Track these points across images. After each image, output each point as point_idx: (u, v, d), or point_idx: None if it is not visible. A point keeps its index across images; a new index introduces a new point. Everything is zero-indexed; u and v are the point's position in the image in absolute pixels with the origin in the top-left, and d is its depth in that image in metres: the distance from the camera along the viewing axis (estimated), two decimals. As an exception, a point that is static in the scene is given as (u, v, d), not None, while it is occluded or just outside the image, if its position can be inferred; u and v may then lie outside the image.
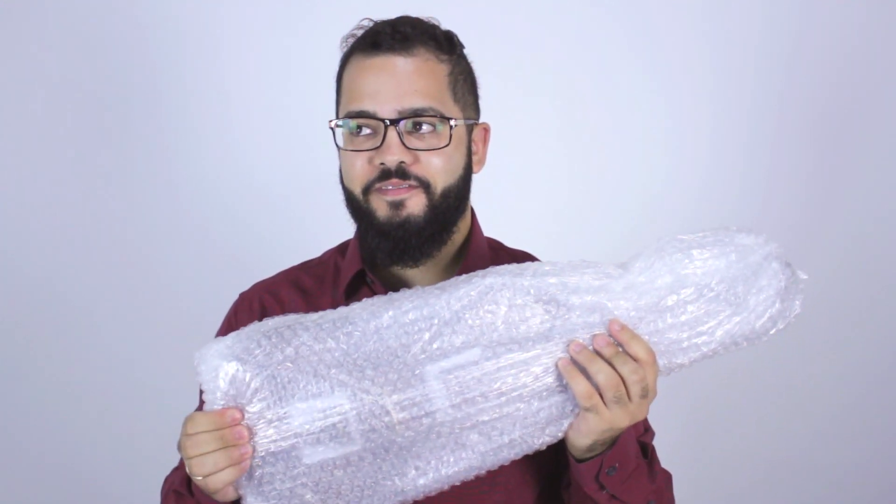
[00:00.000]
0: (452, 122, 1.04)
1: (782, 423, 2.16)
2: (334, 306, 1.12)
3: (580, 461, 0.96)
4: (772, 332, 0.93)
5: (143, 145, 1.98)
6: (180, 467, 1.14)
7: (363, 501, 0.89)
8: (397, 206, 1.03)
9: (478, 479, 1.00)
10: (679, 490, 1.13)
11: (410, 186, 1.03)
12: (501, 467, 1.01)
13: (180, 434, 0.89)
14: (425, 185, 1.03)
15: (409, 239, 1.03)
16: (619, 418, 0.90)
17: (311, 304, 1.14)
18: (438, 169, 1.04)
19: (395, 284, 1.12)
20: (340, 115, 1.06)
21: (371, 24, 1.08)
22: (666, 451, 1.20)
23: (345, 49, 1.09)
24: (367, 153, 1.03)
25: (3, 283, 1.97)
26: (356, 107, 1.03)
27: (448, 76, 1.06)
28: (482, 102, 1.15)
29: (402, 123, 1.02)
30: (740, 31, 2.05)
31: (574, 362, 0.89)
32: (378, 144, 1.02)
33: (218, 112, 1.98)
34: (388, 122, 1.01)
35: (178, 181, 1.99)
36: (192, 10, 1.94)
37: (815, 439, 2.17)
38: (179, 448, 0.89)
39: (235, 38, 1.97)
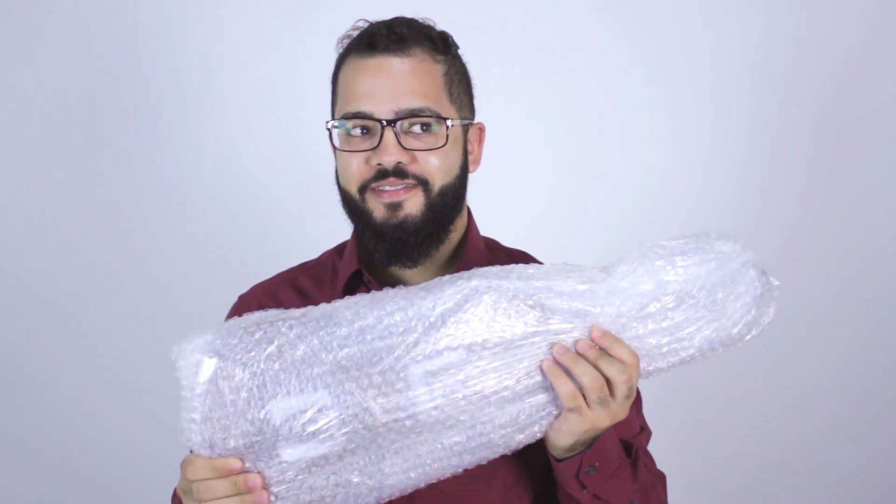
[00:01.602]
0: (449, 122, 1.04)
1: (781, 423, 2.16)
2: None
3: (560, 461, 0.97)
4: (746, 338, 0.94)
5: (142, 145, 1.98)
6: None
7: (337, 498, 0.89)
8: (395, 207, 1.03)
9: (474, 477, 1.00)
10: (677, 491, 1.14)
11: (408, 186, 1.03)
12: (499, 466, 1.01)
13: (181, 478, 0.88)
14: (423, 184, 1.03)
15: (406, 239, 1.04)
16: (601, 419, 0.91)
17: (309, 305, 1.14)
18: (436, 168, 1.04)
19: (392, 284, 1.11)
20: (337, 116, 1.06)
21: (367, 24, 1.08)
22: (663, 452, 1.20)
23: (340, 50, 1.10)
24: (363, 153, 1.03)
25: (2, 283, 1.97)
26: (353, 108, 1.03)
27: (444, 76, 1.06)
28: (478, 102, 1.15)
29: (398, 124, 1.02)
30: (739, 30, 2.05)
31: (558, 364, 0.90)
32: (375, 145, 1.02)
33: (217, 112, 1.98)
34: (384, 123, 1.01)
35: (177, 182, 1.99)
36: (189, 9, 1.94)
37: (814, 440, 2.16)
38: (181, 492, 0.89)
39: (234, 37, 1.97)
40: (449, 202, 1.06)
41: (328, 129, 1.07)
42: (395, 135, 1.01)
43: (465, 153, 1.10)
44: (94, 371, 2.02)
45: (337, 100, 1.08)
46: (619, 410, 0.91)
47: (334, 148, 1.09)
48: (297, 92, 1.91)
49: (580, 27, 2.03)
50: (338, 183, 1.09)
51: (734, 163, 2.09)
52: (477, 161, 1.14)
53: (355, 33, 1.08)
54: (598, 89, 2.05)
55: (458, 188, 1.07)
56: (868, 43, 2.05)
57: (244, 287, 1.22)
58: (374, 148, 1.02)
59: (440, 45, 1.07)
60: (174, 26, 1.95)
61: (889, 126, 2.08)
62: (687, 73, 2.06)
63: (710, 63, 2.05)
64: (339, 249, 1.20)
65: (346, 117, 1.04)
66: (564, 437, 0.92)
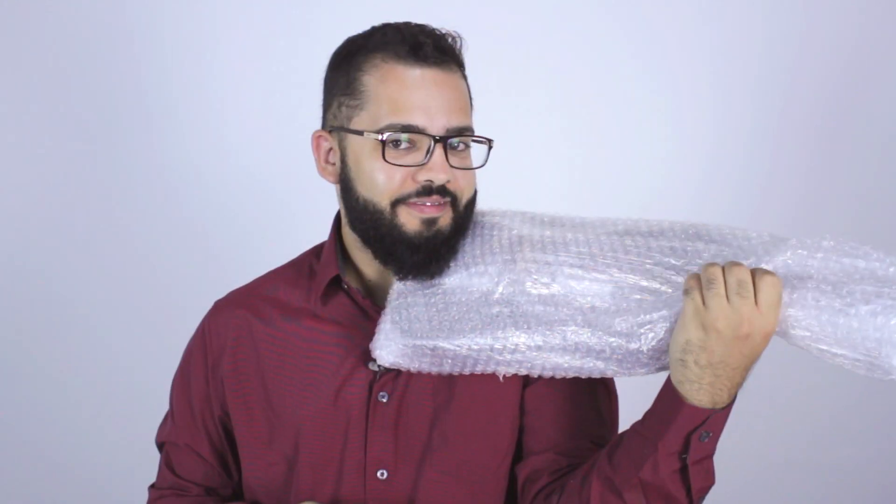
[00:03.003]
0: (492, 143, 1.06)
1: (781, 423, 2.16)
2: (311, 314, 1.12)
3: (690, 405, 0.92)
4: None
5: (138, 144, 1.99)
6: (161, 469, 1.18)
7: (464, 333, 1.00)
8: (432, 222, 1.03)
9: (441, 472, 1.03)
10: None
11: (444, 203, 1.03)
12: (468, 461, 1.04)
13: None
14: (454, 201, 1.04)
15: (438, 250, 1.04)
16: (713, 314, 0.88)
17: (285, 312, 1.14)
18: (467, 186, 1.06)
19: (373, 290, 1.13)
20: (380, 125, 1.01)
21: (394, 29, 1.03)
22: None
23: (361, 48, 1.04)
24: (409, 168, 1.01)
25: (2, 283, 1.97)
26: (405, 119, 1.01)
27: (468, 93, 1.08)
28: (477, 101, 1.14)
29: (450, 141, 1.02)
30: (742, 29, 2.05)
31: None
32: (422, 160, 1.01)
33: (213, 110, 1.99)
34: (437, 139, 1.01)
35: (172, 180, 2.00)
36: (184, 5, 1.94)
37: (814, 440, 2.16)
38: None
39: (229, 33, 1.97)
40: (468, 215, 1.07)
41: (379, 139, 1.00)
42: (445, 152, 1.01)
43: None
44: (90, 367, 2.02)
45: (367, 104, 1.02)
46: (734, 332, 0.88)
47: (352, 156, 1.04)
48: (295, 89, 1.89)
49: (580, 24, 2.03)
50: (354, 191, 1.05)
51: (736, 161, 2.09)
52: None
53: (376, 34, 1.04)
54: (600, 87, 2.06)
55: (473, 202, 1.09)
56: (872, 39, 2.05)
57: (241, 283, 1.22)
58: (423, 164, 1.01)
59: (462, 60, 1.07)
60: (169, 22, 1.95)
61: (891, 122, 2.07)
62: (689, 71, 2.06)
63: (711, 60, 2.06)
64: (316, 251, 1.19)
65: (397, 129, 1.00)
66: (678, 331, 0.91)
